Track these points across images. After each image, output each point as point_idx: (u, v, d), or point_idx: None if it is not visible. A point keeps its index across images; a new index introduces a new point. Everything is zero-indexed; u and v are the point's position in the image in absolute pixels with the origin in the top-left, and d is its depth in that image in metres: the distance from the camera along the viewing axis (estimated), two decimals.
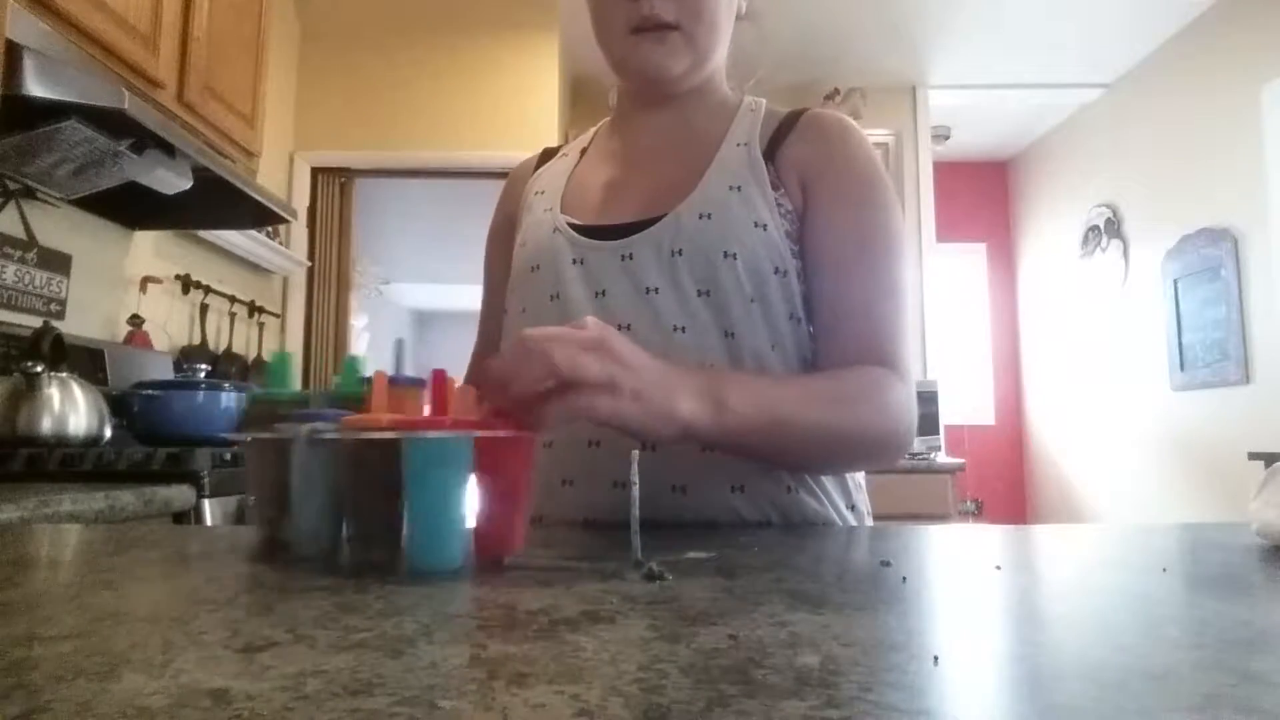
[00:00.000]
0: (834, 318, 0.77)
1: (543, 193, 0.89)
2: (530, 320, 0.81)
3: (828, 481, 0.79)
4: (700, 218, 0.76)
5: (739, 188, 0.78)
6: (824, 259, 0.78)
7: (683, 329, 0.75)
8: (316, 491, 0.51)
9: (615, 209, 0.82)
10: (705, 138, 0.83)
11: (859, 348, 0.75)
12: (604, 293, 0.77)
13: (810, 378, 0.75)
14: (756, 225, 0.76)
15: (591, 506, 0.75)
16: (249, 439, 0.55)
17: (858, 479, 0.84)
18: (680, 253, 0.76)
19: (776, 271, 0.76)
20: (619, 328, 0.75)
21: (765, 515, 0.75)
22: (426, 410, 0.54)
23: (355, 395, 0.57)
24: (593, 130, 0.95)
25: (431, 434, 0.47)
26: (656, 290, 0.76)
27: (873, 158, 0.80)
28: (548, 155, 0.96)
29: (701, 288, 0.75)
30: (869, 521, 0.84)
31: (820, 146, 0.80)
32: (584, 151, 0.92)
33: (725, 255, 0.75)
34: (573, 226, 0.82)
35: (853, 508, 0.81)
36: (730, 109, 0.86)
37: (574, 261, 0.79)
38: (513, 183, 0.97)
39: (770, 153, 0.81)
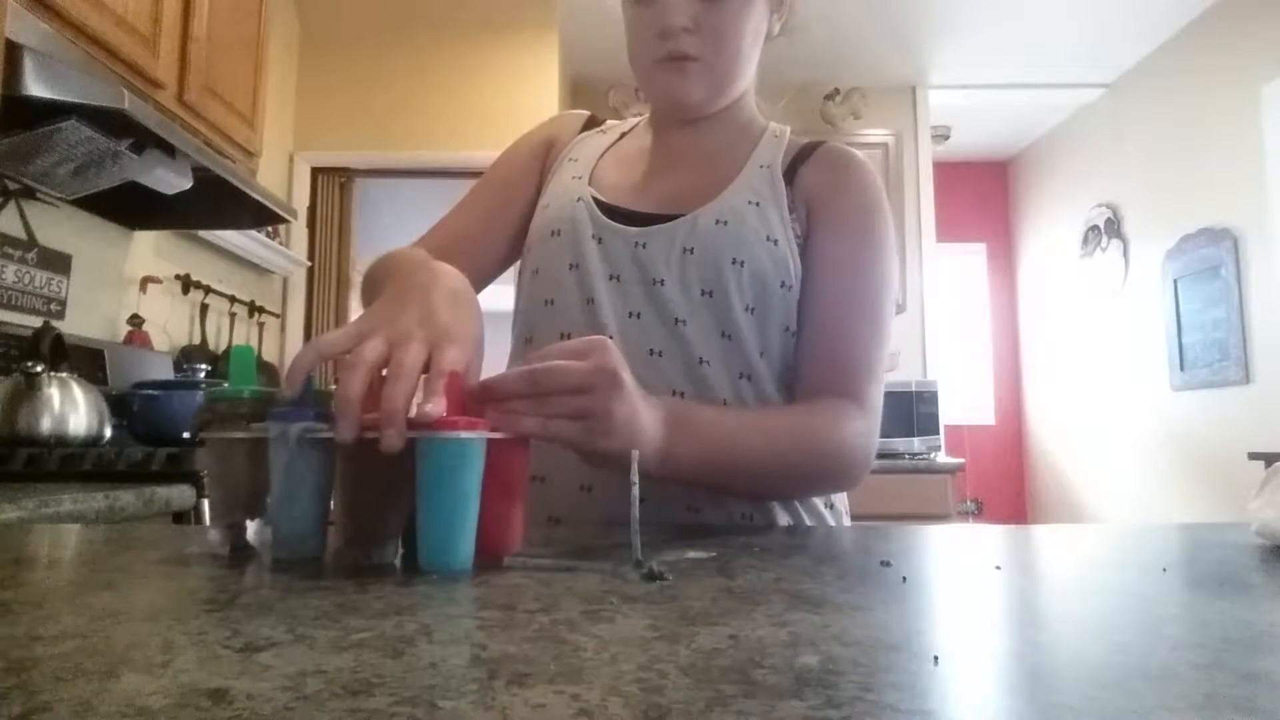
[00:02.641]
0: (813, 343, 0.81)
1: (576, 160, 0.91)
2: (544, 283, 0.84)
3: None
4: (717, 223, 0.80)
5: (758, 203, 0.82)
6: (815, 284, 0.81)
7: (684, 322, 0.79)
8: (305, 493, 0.50)
9: (637, 198, 0.85)
10: (730, 155, 0.87)
11: (830, 376, 0.79)
12: (618, 277, 0.80)
13: (771, 416, 0.77)
14: (768, 240, 0.80)
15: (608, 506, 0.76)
16: (229, 438, 0.52)
17: None
18: (691, 251, 0.79)
19: (783, 285, 0.80)
20: (630, 315, 0.79)
21: (733, 516, 0.77)
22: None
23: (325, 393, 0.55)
24: (634, 120, 0.97)
25: (454, 435, 0.47)
26: (662, 283, 0.79)
27: (879, 197, 0.84)
28: (592, 123, 0.98)
29: (705, 288, 0.79)
30: (846, 520, 0.87)
31: (829, 176, 0.84)
32: (623, 135, 0.95)
33: (734, 262, 0.78)
34: (596, 202, 0.84)
35: (830, 506, 0.84)
36: (756, 132, 0.90)
37: (593, 237, 0.82)
38: (562, 124, 0.98)
39: (789, 176, 0.85)
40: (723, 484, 0.72)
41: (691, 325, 0.78)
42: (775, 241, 0.80)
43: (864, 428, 0.77)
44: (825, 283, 0.81)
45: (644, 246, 0.80)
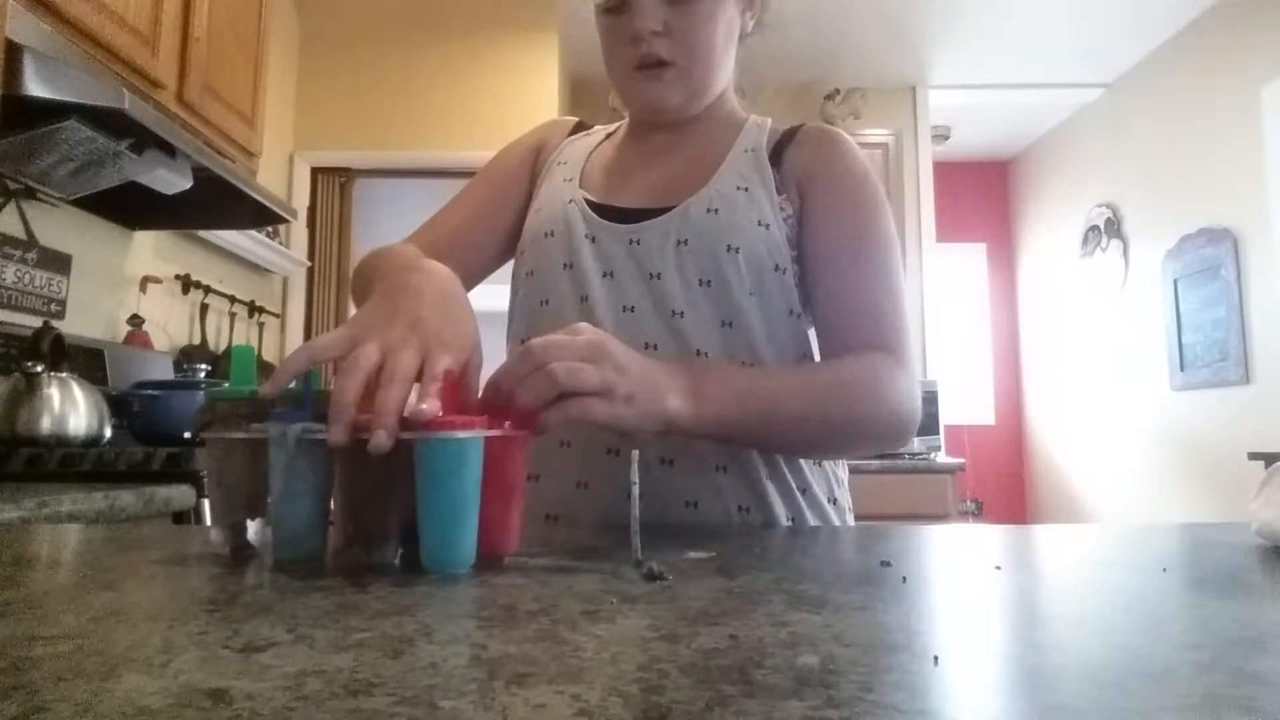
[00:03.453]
0: (837, 312, 0.80)
1: (565, 163, 0.92)
2: (539, 283, 0.84)
3: (808, 473, 0.81)
4: (708, 212, 0.80)
5: (746, 189, 0.82)
6: (825, 256, 0.81)
7: (682, 314, 0.79)
8: (304, 493, 0.50)
9: (627, 195, 0.86)
10: (714, 145, 0.87)
11: (863, 337, 0.78)
12: (612, 273, 0.81)
13: (805, 367, 0.78)
14: (760, 224, 0.80)
15: (612, 509, 0.76)
16: (229, 438, 0.53)
17: (839, 475, 0.87)
18: (686, 243, 0.80)
19: (776, 269, 0.80)
20: (624, 310, 0.80)
21: (730, 511, 0.77)
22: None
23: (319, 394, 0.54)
24: (618, 123, 0.99)
25: (450, 435, 0.47)
26: (659, 276, 0.80)
27: (865, 163, 0.85)
28: (580, 127, 0.99)
29: (703, 277, 0.79)
30: (850, 519, 0.87)
31: (817, 152, 0.85)
32: (609, 135, 0.96)
33: (729, 249, 0.79)
34: (587, 202, 0.85)
35: (834, 502, 0.84)
36: (738, 123, 0.90)
37: (586, 236, 0.83)
38: (551, 130, 1.00)
39: (775, 159, 0.85)
40: (761, 431, 0.70)
41: (690, 316, 0.79)
42: (767, 225, 0.80)
43: (906, 379, 0.76)
44: (831, 251, 0.81)
45: (638, 242, 0.81)
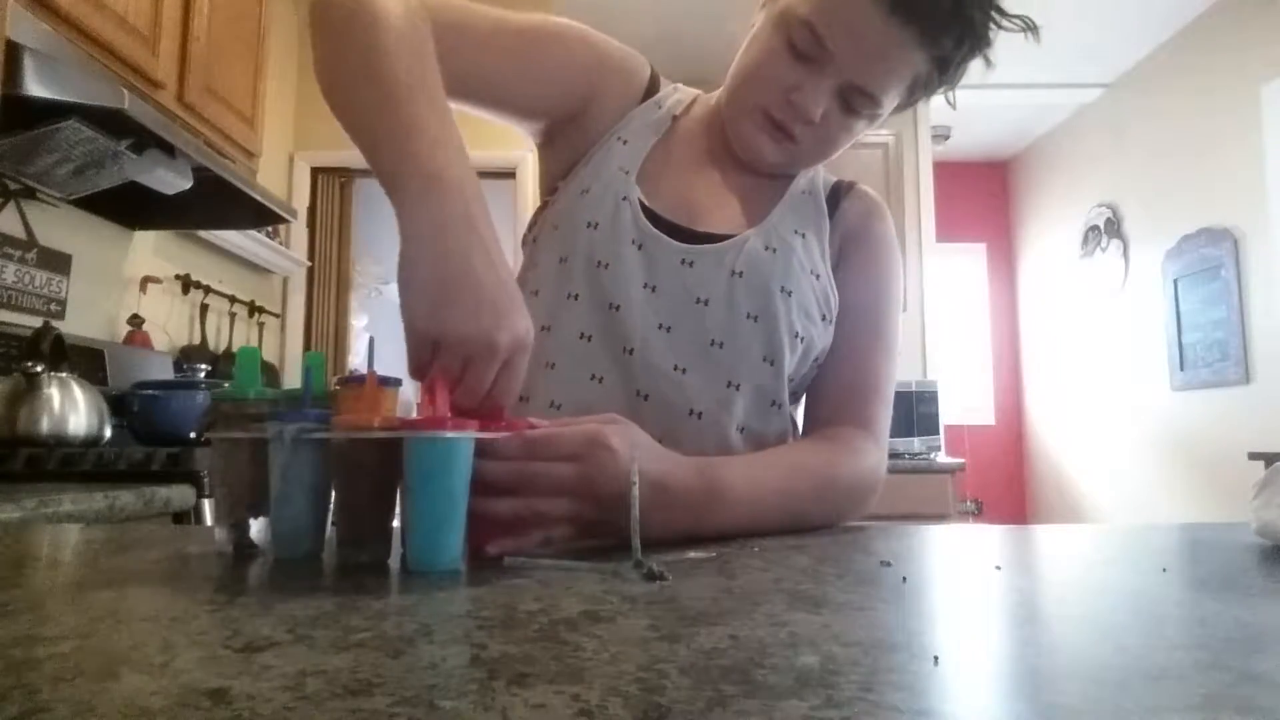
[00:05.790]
0: (835, 370, 0.85)
1: (625, 143, 0.84)
2: (570, 276, 0.79)
3: None
4: (765, 249, 0.81)
5: (804, 235, 0.84)
6: (842, 316, 0.85)
7: (721, 344, 0.78)
8: (301, 493, 0.50)
9: (681, 208, 0.82)
10: (774, 180, 0.88)
11: (848, 404, 0.82)
12: (655, 288, 0.78)
13: (788, 469, 0.72)
14: (811, 273, 0.83)
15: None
16: (233, 438, 0.53)
17: None
18: (740, 275, 0.79)
19: (824, 319, 0.83)
20: (660, 327, 0.77)
21: None
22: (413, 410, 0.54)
23: (324, 394, 0.55)
24: (690, 99, 0.91)
25: (438, 435, 0.47)
26: (707, 302, 0.78)
27: (896, 243, 0.91)
28: (652, 88, 0.89)
29: (752, 312, 0.79)
30: None
31: (866, 219, 0.89)
32: (675, 119, 0.88)
33: (782, 290, 0.80)
34: (642, 206, 0.80)
35: None
36: None
37: (633, 242, 0.79)
38: (628, 76, 0.87)
39: (830, 208, 0.89)
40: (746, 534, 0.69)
41: (730, 348, 0.78)
42: (817, 275, 0.83)
43: (875, 460, 0.79)
44: (852, 316, 0.85)
45: (691, 264, 0.79)
